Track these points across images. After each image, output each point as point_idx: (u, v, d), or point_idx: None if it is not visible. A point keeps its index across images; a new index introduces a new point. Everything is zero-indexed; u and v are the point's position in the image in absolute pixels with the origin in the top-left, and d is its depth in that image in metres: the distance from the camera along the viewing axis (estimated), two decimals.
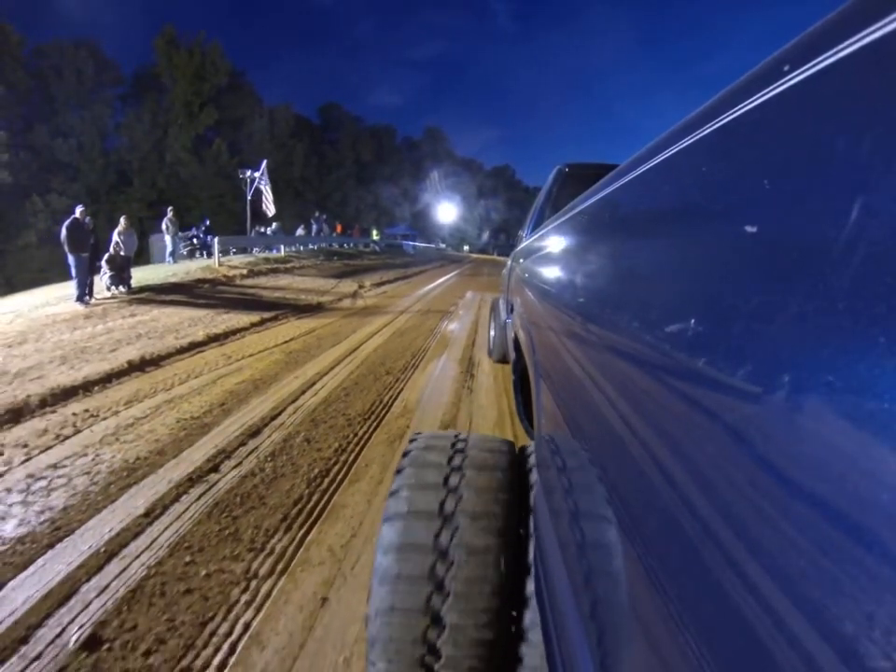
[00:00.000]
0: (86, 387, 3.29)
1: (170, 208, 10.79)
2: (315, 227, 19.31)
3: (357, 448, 2.51)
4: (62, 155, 22.70)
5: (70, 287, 6.40)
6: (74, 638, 1.27)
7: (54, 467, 2.18)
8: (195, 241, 11.61)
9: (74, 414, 2.80)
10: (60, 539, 1.67)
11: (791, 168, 0.27)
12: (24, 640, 1.27)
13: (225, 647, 1.28)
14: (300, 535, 1.76)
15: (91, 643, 1.26)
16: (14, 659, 1.22)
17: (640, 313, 0.42)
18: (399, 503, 0.85)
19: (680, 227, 0.42)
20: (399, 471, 0.93)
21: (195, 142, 27.24)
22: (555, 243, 1.15)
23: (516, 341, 1.91)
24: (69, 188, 22.90)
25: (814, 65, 0.25)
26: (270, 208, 13.37)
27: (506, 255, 4.00)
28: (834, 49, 0.23)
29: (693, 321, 0.32)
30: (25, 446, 2.37)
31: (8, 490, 1.98)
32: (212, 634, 1.32)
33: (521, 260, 2.14)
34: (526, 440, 2.32)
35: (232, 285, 8.07)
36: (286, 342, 4.87)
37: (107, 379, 3.48)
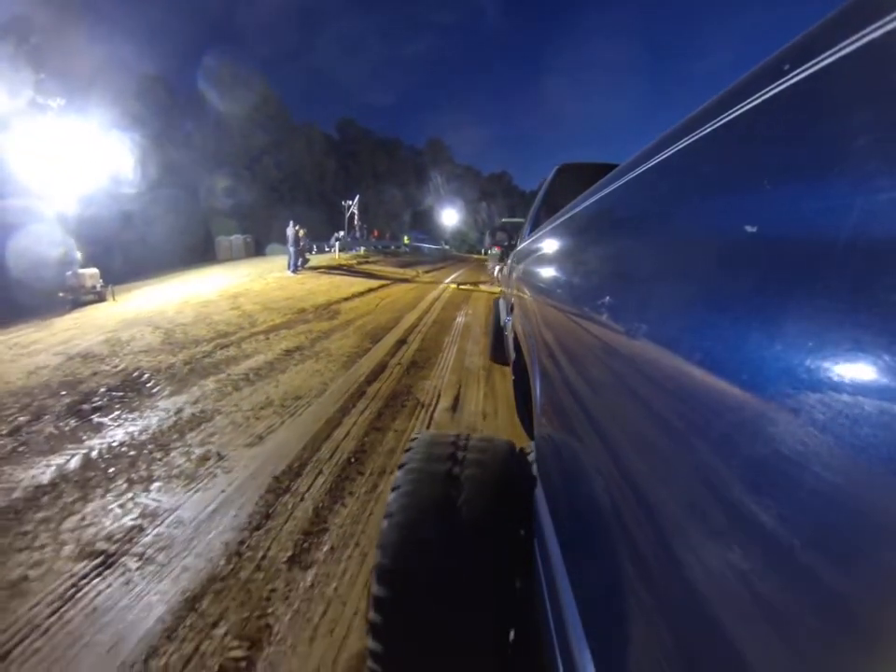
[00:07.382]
0: (364, 293, 9.40)
1: (290, 222, 16.86)
2: (358, 233, 25.52)
3: (467, 304, 8.87)
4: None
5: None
6: (433, 317, 7.45)
7: (395, 299, 8.37)
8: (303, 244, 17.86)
9: (375, 296, 8.95)
10: (414, 307, 7.85)
11: (790, 168, 0.27)
12: (404, 341, 7.43)
13: (460, 319, 7.47)
14: (466, 307, 8.06)
15: (429, 328, 7.45)
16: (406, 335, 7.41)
17: (639, 313, 0.42)
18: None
19: (680, 227, 0.43)
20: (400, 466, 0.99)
21: (247, 161, 33.40)
22: (555, 243, 1.15)
23: (516, 341, 1.89)
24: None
25: (814, 65, 0.25)
26: (357, 224, 20.45)
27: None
28: (834, 49, 0.23)
29: (691, 321, 0.33)
30: (374, 300, 8.46)
31: (392, 303, 8.14)
32: (458, 311, 7.53)
33: (520, 260, 2.13)
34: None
35: (354, 268, 14.29)
36: (410, 289, 11.08)
37: (365, 293, 9.61)
